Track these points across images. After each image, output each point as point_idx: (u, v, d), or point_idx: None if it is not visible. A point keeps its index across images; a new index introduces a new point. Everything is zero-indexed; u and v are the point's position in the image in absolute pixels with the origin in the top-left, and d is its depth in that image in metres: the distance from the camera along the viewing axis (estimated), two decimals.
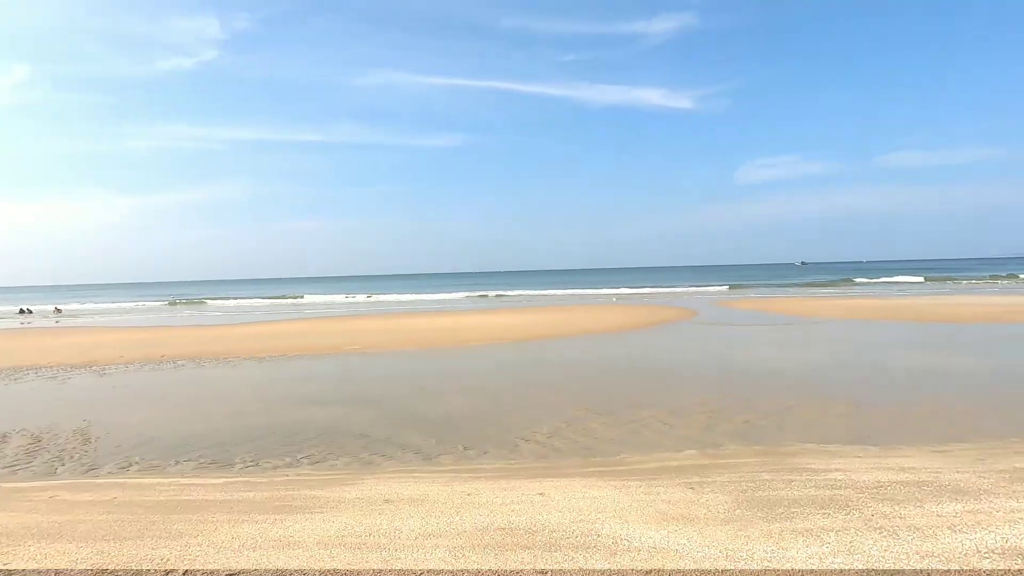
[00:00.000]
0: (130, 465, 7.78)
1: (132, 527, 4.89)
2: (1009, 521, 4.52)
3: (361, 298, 60.53)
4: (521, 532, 4.51)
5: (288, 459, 7.80)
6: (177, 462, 7.83)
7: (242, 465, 7.62)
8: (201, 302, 62.65)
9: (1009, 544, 4.08)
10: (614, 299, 47.26)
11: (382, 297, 60.62)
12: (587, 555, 4.04)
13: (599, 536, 4.40)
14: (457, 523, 4.76)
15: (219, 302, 61.85)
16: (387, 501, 5.48)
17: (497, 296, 56.70)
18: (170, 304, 60.52)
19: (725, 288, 59.78)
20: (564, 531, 4.52)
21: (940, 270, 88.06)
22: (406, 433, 8.85)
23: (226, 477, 7.02)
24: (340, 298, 61.31)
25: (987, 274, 72.38)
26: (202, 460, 7.86)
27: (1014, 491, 5.29)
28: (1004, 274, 71.12)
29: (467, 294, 60.27)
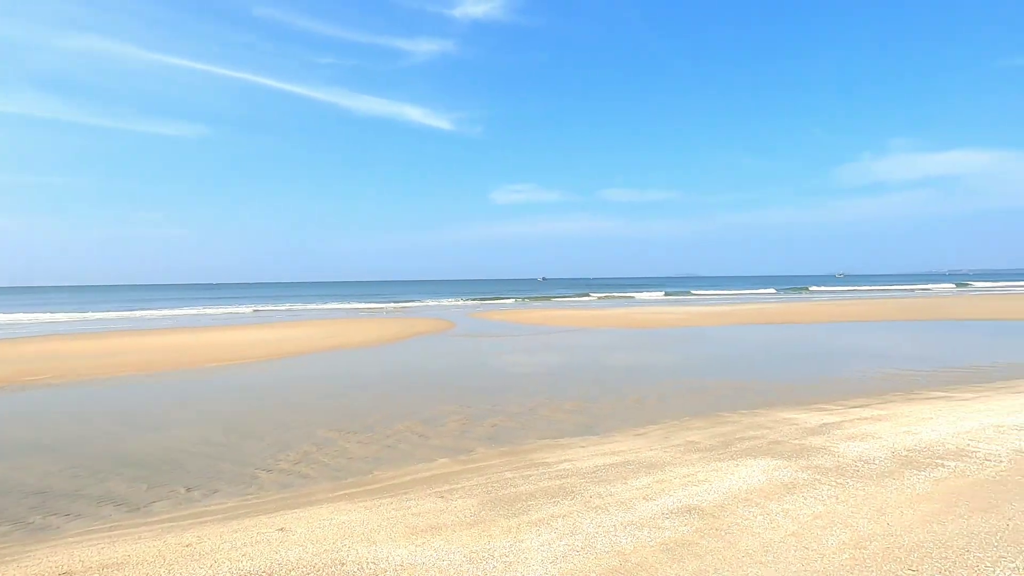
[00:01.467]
0: None
1: None
2: (683, 485, 5.68)
3: (62, 315, 47.54)
4: None
5: None
6: None
7: None
8: None
9: (683, 503, 5.12)
10: (384, 312, 46.61)
11: (91, 315, 48.72)
12: None
13: (344, 564, 4.13)
14: None
15: None
16: (65, 575, 4.27)
17: (255, 312, 50.42)
18: None
19: (475, 301, 64.14)
20: (305, 567, 4.12)
21: (656, 286, 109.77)
22: (105, 481, 7.12)
23: None
24: (19, 316, 47.13)
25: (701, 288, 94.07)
26: None
27: (687, 460, 6.70)
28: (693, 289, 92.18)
29: (212, 310, 52.26)
